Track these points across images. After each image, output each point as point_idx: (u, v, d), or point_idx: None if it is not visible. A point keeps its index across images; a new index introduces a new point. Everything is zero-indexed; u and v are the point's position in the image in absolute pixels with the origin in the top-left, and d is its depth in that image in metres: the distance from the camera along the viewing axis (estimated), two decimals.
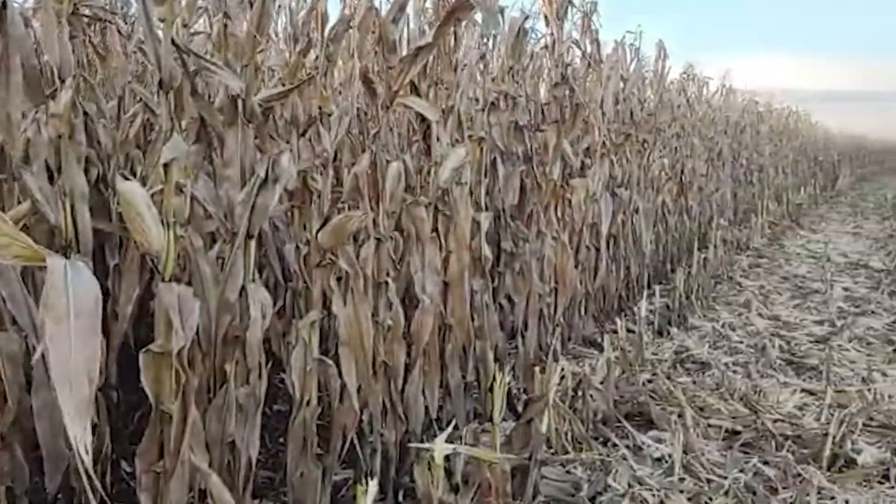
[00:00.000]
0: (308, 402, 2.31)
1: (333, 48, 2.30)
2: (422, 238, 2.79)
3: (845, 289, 6.98)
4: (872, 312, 6.04)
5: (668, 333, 5.13)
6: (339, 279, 2.43)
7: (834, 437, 3.34)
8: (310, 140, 2.90)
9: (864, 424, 3.63)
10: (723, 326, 5.37)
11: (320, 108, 2.33)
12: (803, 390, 4.19)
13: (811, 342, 5.12)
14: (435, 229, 3.01)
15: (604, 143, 4.98)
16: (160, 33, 1.74)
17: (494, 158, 3.64)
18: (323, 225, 2.31)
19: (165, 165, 1.72)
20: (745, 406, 3.84)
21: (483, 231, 3.36)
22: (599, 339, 4.62)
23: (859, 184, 24.25)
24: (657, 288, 5.48)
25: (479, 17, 3.37)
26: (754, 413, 3.74)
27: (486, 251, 3.36)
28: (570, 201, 4.50)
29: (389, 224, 2.66)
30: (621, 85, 5.47)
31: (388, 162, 2.60)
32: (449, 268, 3.05)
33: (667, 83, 7.29)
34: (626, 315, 5.40)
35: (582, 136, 4.84)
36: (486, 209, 3.57)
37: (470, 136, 3.32)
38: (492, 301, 3.45)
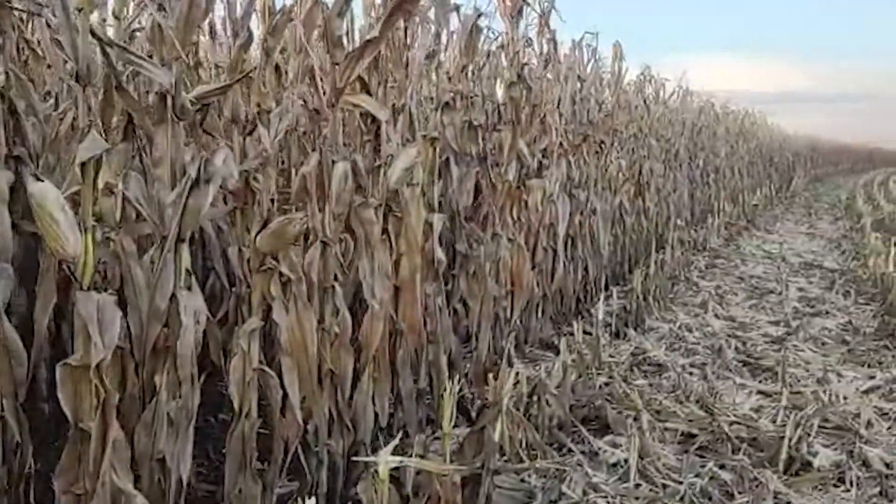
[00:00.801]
0: (248, 414, 2.20)
1: (272, 42, 2.19)
2: (371, 241, 2.69)
3: (800, 289, 7.03)
4: (827, 313, 6.08)
5: (626, 335, 5.10)
6: (284, 284, 2.32)
7: (790, 440, 3.32)
8: (258, 139, 2.79)
9: (819, 426, 3.62)
10: (680, 328, 5.35)
11: (259, 105, 2.22)
12: (759, 392, 4.17)
13: (767, 343, 5.13)
14: (385, 231, 2.92)
15: (560, 143, 4.93)
16: (78, 23, 1.62)
17: (448, 159, 3.55)
18: (262, 228, 2.20)
19: (83, 165, 1.60)
20: (701, 408, 3.81)
21: (436, 233, 3.27)
22: (557, 342, 4.57)
23: (814, 184, 24.68)
24: (614, 289, 5.45)
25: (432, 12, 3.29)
26: (710, 415, 3.70)
27: (440, 254, 3.28)
28: (526, 202, 4.44)
29: (336, 227, 2.55)
30: (578, 85, 5.43)
31: (333, 162, 2.50)
32: (400, 271, 2.96)
33: (624, 84, 7.28)
34: (583, 317, 5.35)
35: (539, 136, 4.79)
36: (441, 211, 3.49)
37: (423, 136, 3.23)
38: (445, 305, 3.37)
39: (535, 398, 3.42)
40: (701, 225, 9.87)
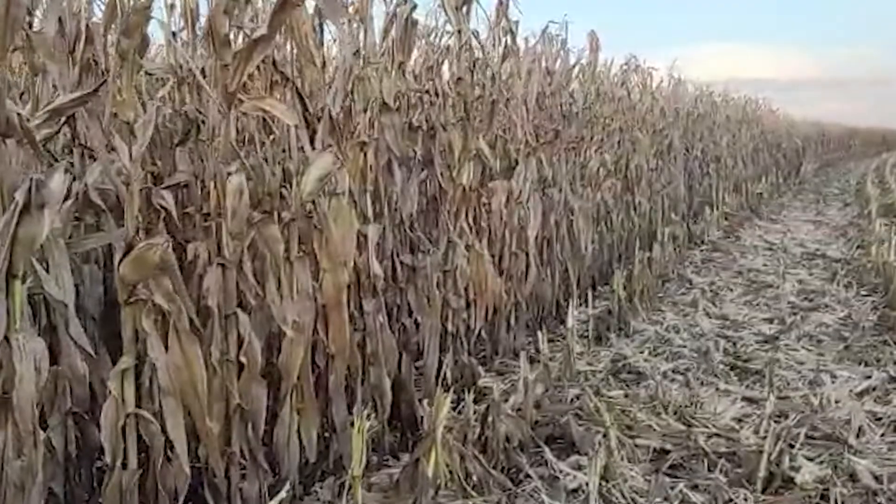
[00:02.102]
0: (125, 465, 1.95)
1: (126, 45, 1.93)
2: (278, 261, 2.43)
3: (800, 281, 6.71)
4: (826, 306, 5.76)
5: (607, 340, 4.81)
6: (162, 316, 2.07)
7: (770, 454, 3.03)
8: (189, 153, 2.55)
9: (806, 436, 3.34)
10: (667, 329, 5.06)
11: (115, 115, 1.96)
12: (745, 398, 3.88)
13: (758, 343, 4.82)
14: (306, 247, 2.66)
15: (527, 141, 4.65)
16: None
17: (390, 164, 3.28)
18: (125, 255, 1.95)
19: None
20: (678, 420, 3.53)
21: (371, 245, 3.01)
22: (534, 351, 4.31)
23: (824, 170, 24.14)
24: (594, 292, 5.16)
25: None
26: (688, 428, 3.42)
27: (376, 267, 3.01)
28: (489, 206, 4.17)
29: (235, 247, 2.30)
30: (548, 79, 5.15)
31: (228, 175, 2.25)
32: (324, 290, 2.70)
33: (611, 76, 6.98)
34: (563, 323, 5.06)
35: (512, 136, 4.52)
36: (384, 220, 3.23)
37: (352, 141, 2.97)
38: (387, 322, 3.10)
39: (489, 419, 3.15)
40: (700, 217, 9.53)
